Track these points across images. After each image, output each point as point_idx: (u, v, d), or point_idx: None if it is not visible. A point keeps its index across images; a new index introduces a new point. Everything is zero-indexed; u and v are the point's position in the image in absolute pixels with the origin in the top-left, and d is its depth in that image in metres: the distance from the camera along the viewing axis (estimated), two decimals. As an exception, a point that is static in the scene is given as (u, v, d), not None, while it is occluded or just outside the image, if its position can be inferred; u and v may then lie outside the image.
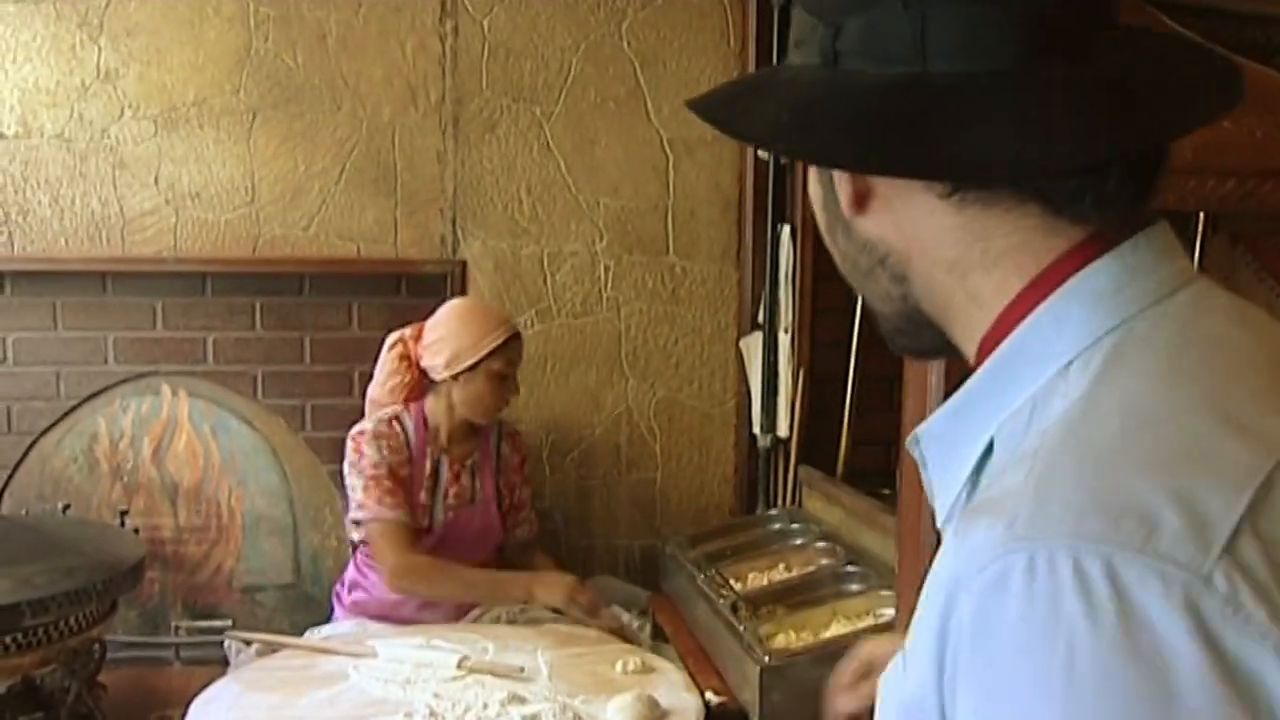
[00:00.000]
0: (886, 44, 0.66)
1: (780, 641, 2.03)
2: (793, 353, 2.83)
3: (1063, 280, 0.66)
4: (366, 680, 2.06)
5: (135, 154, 2.89)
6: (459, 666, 2.08)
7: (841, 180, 0.71)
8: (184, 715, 2.00)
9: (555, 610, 2.40)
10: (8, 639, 2.06)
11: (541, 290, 3.03)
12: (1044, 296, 0.66)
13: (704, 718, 1.98)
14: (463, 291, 2.96)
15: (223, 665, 2.42)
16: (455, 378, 2.46)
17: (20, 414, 2.93)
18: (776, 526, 2.70)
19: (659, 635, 2.51)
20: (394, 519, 2.40)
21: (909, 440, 0.74)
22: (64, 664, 2.18)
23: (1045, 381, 0.65)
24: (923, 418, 1.33)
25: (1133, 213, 0.67)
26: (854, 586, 2.23)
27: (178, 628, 2.90)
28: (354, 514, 2.44)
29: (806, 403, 2.82)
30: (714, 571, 2.37)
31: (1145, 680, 0.53)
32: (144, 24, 2.85)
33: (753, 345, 2.96)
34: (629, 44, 2.99)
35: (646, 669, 2.14)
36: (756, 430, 2.95)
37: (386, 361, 2.54)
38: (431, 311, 2.77)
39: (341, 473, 2.52)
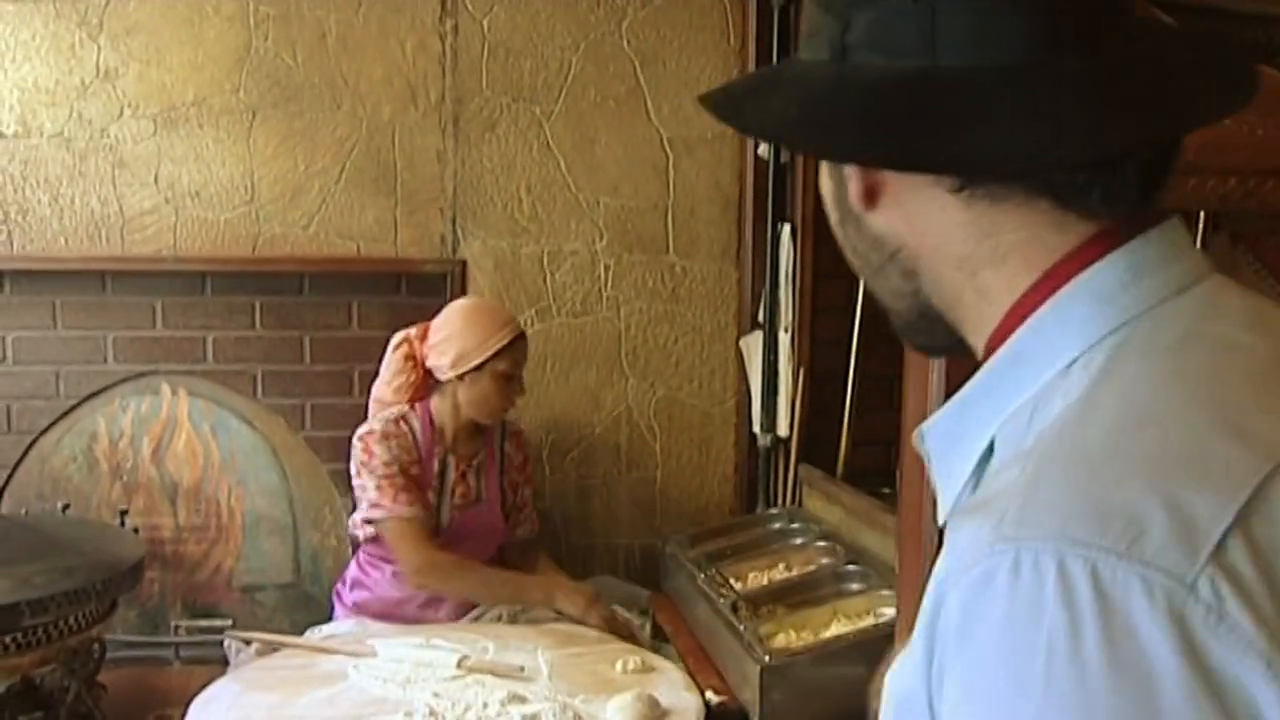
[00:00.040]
0: (896, 37, 0.65)
1: (780, 641, 2.03)
2: (793, 352, 2.83)
3: (1069, 278, 0.65)
4: (366, 679, 2.06)
5: (135, 153, 2.88)
6: (459, 666, 2.08)
7: (852, 175, 0.70)
8: (184, 715, 2.00)
9: (559, 613, 2.40)
10: (7, 639, 2.06)
11: (541, 289, 3.02)
12: (1050, 294, 0.66)
13: (704, 717, 1.98)
14: (463, 291, 2.96)
15: (222, 665, 2.42)
16: (461, 378, 2.46)
17: (20, 413, 2.93)
18: (777, 526, 2.69)
19: (659, 635, 2.51)
20: (411, 516, 2.40)
21: (915, 435, 0.74)
22: (63, 663, 2.18)
23: (1048, 381, 0.65)
24: (924, 417, 1.33)
25: (1144, 209, 0.66)
26: (854, 586, 2.22)
27: (177, 627, 2.90)
28: (367, 513, 2.43)
29: (807, 402, 2.82)
30: (714, 571, 2.37)
31: (1124, 689, 0.53)
32: (143, 23, 2.85)
33: (753, 344, 2.96)
34: (629, 43, 2.99)
35: (646, 668, 2.14)
36: (756, 429, 2.95)
37: (392, 361, 2.54)
38: (431, 310, 2.76)
39: (348, 472, 2.52)
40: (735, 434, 3.11)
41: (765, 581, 2.37)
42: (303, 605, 2.97)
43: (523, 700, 1.95)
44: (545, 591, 2.41)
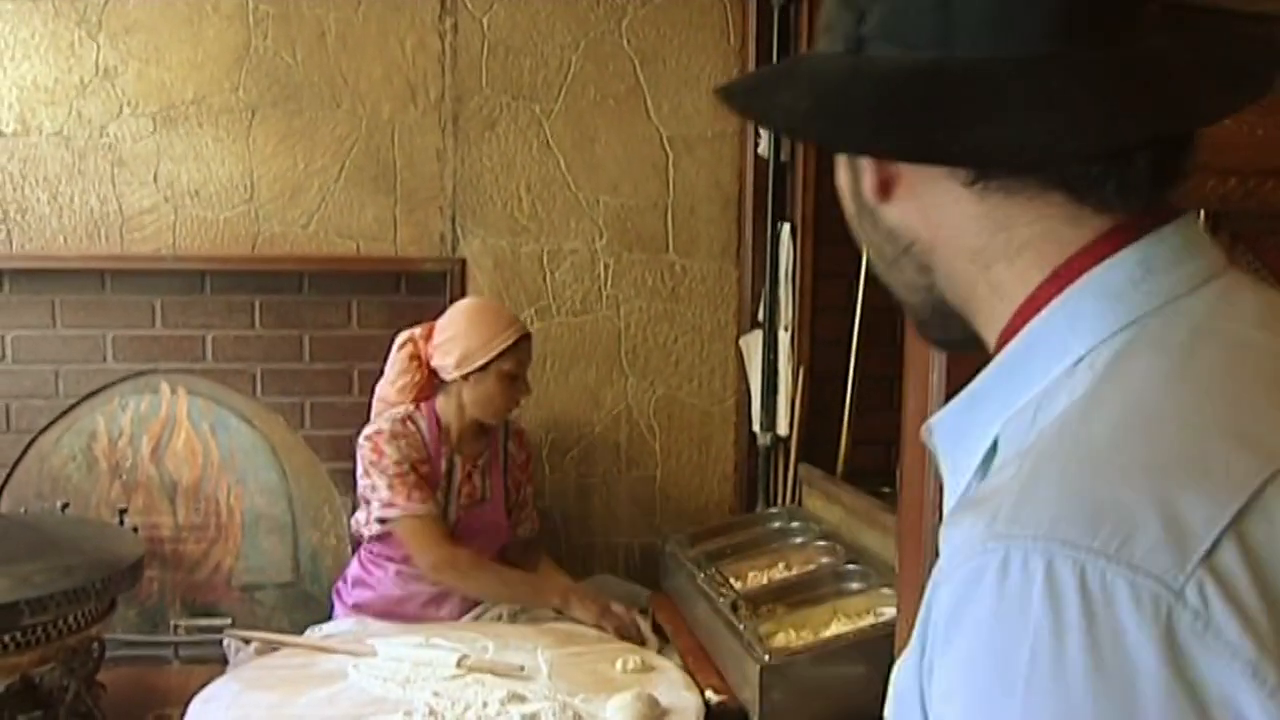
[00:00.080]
0: (910, 29, 0.65)
1: (780, 640, 2.03)
2: (793, 351, 2.83)
3: (1081, 273, 0.65)
4: (366, 679, 2.06)
5: (134, 152, 2.88)
6: (458, 665, 2.08)
7: (866, 167, 0.70)
8: (183, 714, 2.00)
9: (572, 618, 2.41)
10: (6, 638, 2.06)
11: (541, 288, 3.02)
12: (1062, 289, 0.65)
13: (704, 716, 1.98)
14: (462, 289, 2.95)
15: (222, 664, 2.42)
16: (465, 378, 2.46)
17: (19, 412, 2.93)
18: (776, 525, 2.69)
19: (658, 634, 2.51)
20: (425, 513, 2.41)
21: (923, 429, 0.74)
22: (63, 663, 2.18)
23: (1055, 378, 0.64)
24: (924, 417, 1.33)
25: (1160, 205, 0.66)
26: (854, 585, 2.22)
27: (177, 626, 2.90)
28: (380, 513, 2.42)
29: (806, 401, 2.81)
30: (714, 570, 2.37)
31: (1106, 692, 0.52)
32: (143, 21, 2.85)
33: (752, 343, 2.96)
34: (629, 41, 2.99)
35: (646, 668, 2.14)
36: (756, 428, 2.94)
37: (396, 361, 2.54)
38: (431, 309, 2.77)
39: (353, 473, 2.52)
40: (735, 433, 3.11)
41: (765, 581, 2.37)
42: (302, 604, 2.96)
43: (522, 699, 1.95)
44: (561, 595, 2.41)
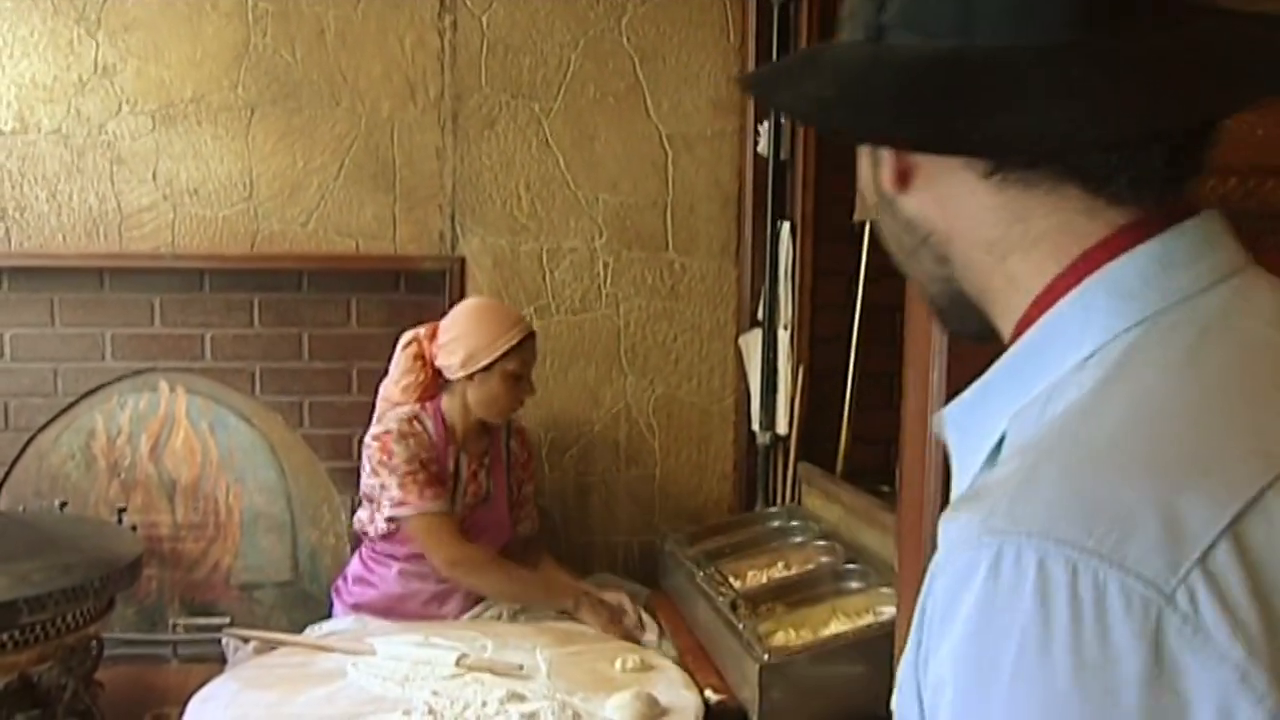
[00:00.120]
0: (931, 17, 0.64)
1: (779, 639, 2.03)
2: (792, 349, 2.82)
3: (1096, 267, 0.64)
4: (365, 678, 2.06)
5: (133, 150, 2.88)
6: (457, 664, 2.08)
7: (885, 157, 0.70)
8: (181, 713, 2.00)
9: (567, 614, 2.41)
10: (4, 636, 2.05)
11: (540, 287, 3.02)
12: (1076, 283, 0.65)
13: (703, 716, 1.98)
14: (461, 288, 2.95)
15: (220, 663, 2.41)
16: (470, 378, 2.47)
17: (17, 410, 2.92)
18: (775, 524, 2.69)
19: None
20: (437, 510, 2.41)
21: (935, 420, 0.74)
22: (61, 661, 2.17)
23: (1064, 373, 0.64)
24: (924, 415, 1.33)
25: (1180, 200, 0.65)
26: (853, 584, 2.22)
27: (175, 625, 2.90)
28: (391, 511, 2.42)
29: (806, 400, 2.81)
30: (713, 569, 2.37)
31: (1089, 692, 0.53)
32: (142, 19, 2.84)
33: (752, 342, 2.96)
34: (628, 39, 2.98)
35: (645, 667, 2.13)
36: (755, 427, 2.94)
37: (401, 360, 2.54)
38: (430, 308, 2.76)
39: (357, 473, 2.52)
40: (734, 432, 3.11)
41: (764, 580, 2.37)
42: (301, 603, 2.96)
43: (521, 698, 1.95)
44: (573, 599, 2.41)
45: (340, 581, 2.61)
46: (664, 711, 1.94)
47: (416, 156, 2.95)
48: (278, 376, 2.98)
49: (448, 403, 2.52)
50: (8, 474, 2.92)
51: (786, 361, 2.84)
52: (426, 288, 2.97)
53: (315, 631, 2.43)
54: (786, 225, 2.85)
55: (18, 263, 2.88)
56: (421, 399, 2.52)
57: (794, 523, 2.65)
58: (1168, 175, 0.64)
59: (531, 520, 2.71)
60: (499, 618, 2.48)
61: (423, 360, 2.52)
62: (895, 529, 1.75)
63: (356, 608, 2.51)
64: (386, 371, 2.59)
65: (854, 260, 2.66)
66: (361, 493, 2.52)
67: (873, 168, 0.73)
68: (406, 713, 1.90)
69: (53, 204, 2.87)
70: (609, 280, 3.04)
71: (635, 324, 3.06)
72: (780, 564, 2.44)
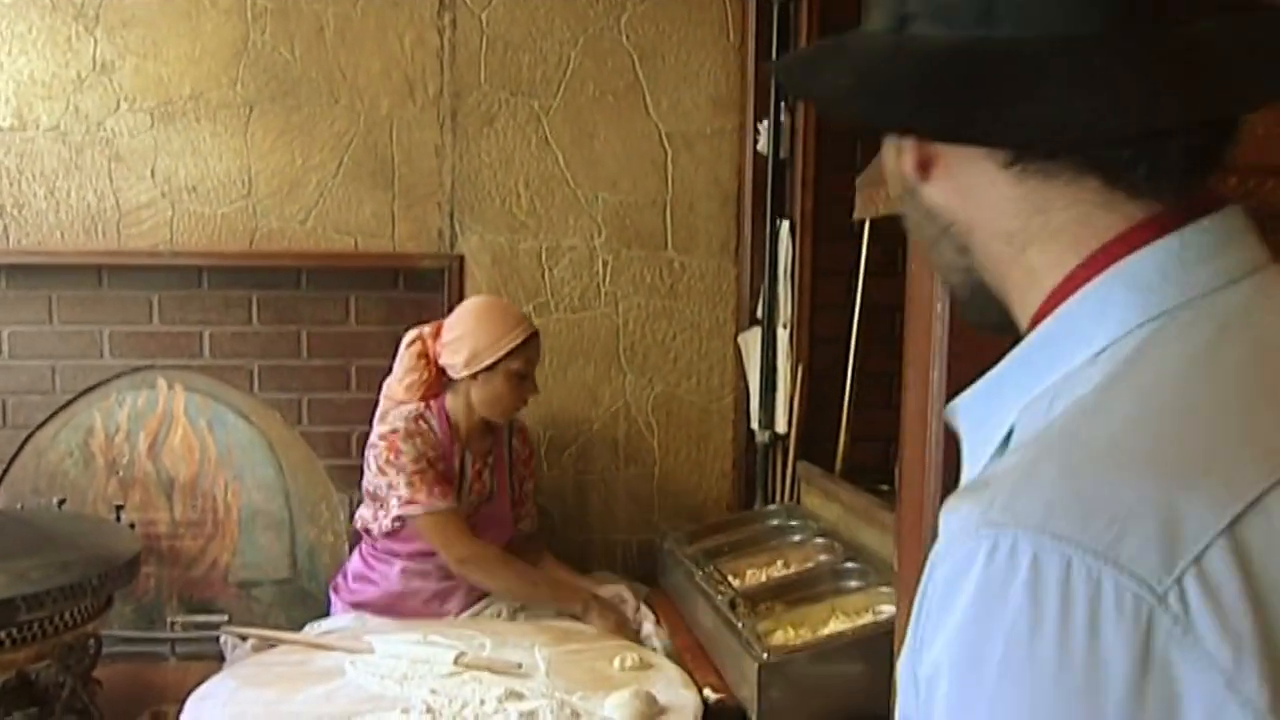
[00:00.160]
0: (953, 7, 0.64)
1: (779, 638, 2.03)
2: (791, 348, 2.82)
3: (1114, 261, 0.64)
4: (363, 676, 2.06)
5: (131, 147, 2.87)
6: (456, 662, 2.08)
7: (906, 146, 0.70)
8: (179, 711, 1.99)
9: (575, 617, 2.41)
10: (2, 634, 2.05)
11: (539, 285, 3.01)
12: (1093, 276, 0.64)
13: (702, 715, 1.98)
14: (460, 286, 2.95)
15: (218, 660, 2.41)
16: (474, 377, 2.47)
17: (15, 408, 2.92)
18: (774, 522, 2.69)
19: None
20: (447, 508, 2.41)
21: (947, 410, 0.73)
22: (59, 659, 2.17)
23: (1077, 366, 0.64)
24: (924, 414, 1.33)
25: (1200, 195, 0.65)
26: (852, 583, 2.22)
27: (173, 623, 2.89)
28: (400, 510, 2.41)
29: (805, 398, 2.81)
30: (712, 568, 2.36)
31: (1070, 689, 0.53)
32: (140, 16, 2.84)
33: (751, 341, 2.95)
34: (628, 37, 2.98)
35: (644, 665, 2.13)
36: (755, 426, 2.94)
37: (405, 358, 2.54)
38: (429, 305, 2.76)
39: (360, 470, 2.52)
40: (733, 430, 3.10)
41: (763, 578, 2.37)
42: (299, 601, 2.96)
43: (520, 697, 1.94)
44: (583, 603, 2.41)
45: (339, 579, 2.61)
46: (663, 710, 1.94)
47: (415, 154, 2.95)
48: (276, 374, 2.98)
49: (452, 401, 2.52)
50: (6, 471, 2.91)
51: (786, 360, 2.84)
52: (425, 285, 2.96)
53: (314, 629, 2.43)
54: (786, 224, 2.85)
55: (16, 260, 2.87)
56: (425, 397, 2.52)
57: (793, 521, 2.64)
58: (1186, 169, 0.63)
59: (532, 518, 2.72)
60: (498, 616, 2.48)
61: (427, 358, 2.52)
62: (894, 528, 1.75)
63: (357, 605, 2.51)
64: (386, 370, 2.59)
65: (853, 259, 2.66)
66: (364, 491, 2.51)
67: (896, 157, 0.73)
68: (405, 711, 1.90)
69: (51, 201, 2.87)
70: (608, 278, 3.03)
71: (634, 322, 3.06)
72: (779, 563, 2.44)
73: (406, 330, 2.61)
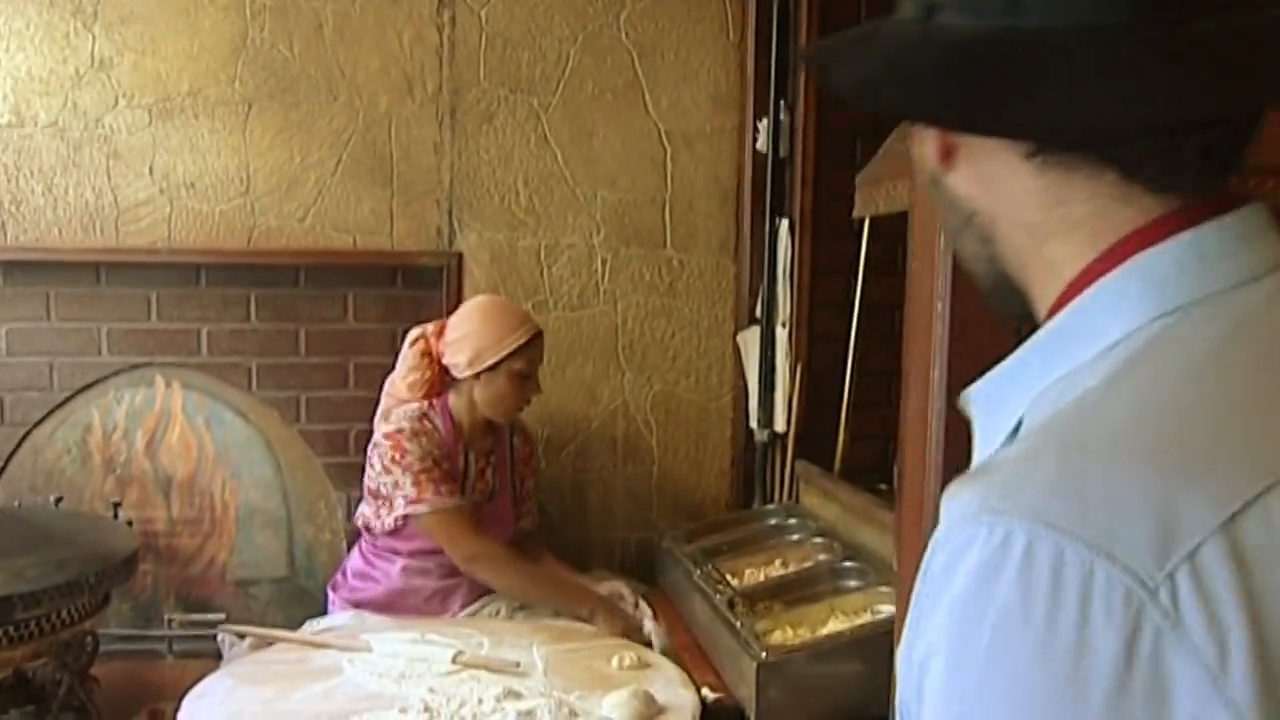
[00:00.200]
0: None
1: (777, 638, 2.02)
2: (790, 347, 2.82)
3: (1132, 255, 0.64)
4: (361, 674, 2.06)
5: (129, 144, 2.86)
6: (454, 661, 2.07)
7: (931, 135, 0.70)
8: (177, 709, 1.99)
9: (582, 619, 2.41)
10: (-1, 632, 2.05)
11: (538, 283, 3.01)
12: (1110, 269, 0.64)
13: (700, 714, 1.97)
14: (459, 283, 2.94)
15: (216, 659, 2.41)
16: (477, 376, 2.47)
17: (13, 405, 2.91)
18: (773, 522, 2.69)
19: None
20: (454, 506, 2.41)
21: (960, 398, 0.73)
22: (56, 657, 2.17)
23: (1089, 359, 0.64)
24: (925, 414, 1.32)
25: (1222, 191, 0.65)
26: (851, 583, 2.22)
27: (171, 621, 2.89)
28: (407, 509, 2.41)
29: (804, 397, 2.81)
30: (710, 566, 2.36)
31: (1055, 678, 0.53)
32: (138, 12, 2.83)
33: (750, 339, 2.95)
34: (627, 35, 2.97)
35: (642, 664, 2.13)
36: (753, 424, 2.94)
37: (408, 356, 2.54)
38: (427, 303, 2.75)
39: (362, 468, 2.52)
40: (732, 429, 3.10)
41: (762, 578, 2.37)
42: (296, 599, 2.95)
43: (518, 696, 1.94)
44: (589, 606, 2.40)
45: (339, 576, 2.60)
46: (661, 710, 1.93)
47: (414, 151, 2.94)
48: (274, 372, 2.97)
49: (454, 400, 2.52)
50: (3, 469, 2.90)
51: (785, 359, 2.84)
52: (424, 283, 2.96)
53: (313, 627, 2.43)
54: (785, 222, 2.84)
55: (13, 256, 2.86)
56: (428, 396, 2.51)
57: (791, 520, 2.64)
58: (1203, 165, 0.63)
59: (533, 515, 2.72)
60: (497, 615, 2.48)
61: (430, 357, 2.52)
62: (894, 527, 1.74)
63: (356, 603, 2.51)
64: (385, 367, 2.58)
65: (853, 257, 2.65)
66: (367, 489, 2.51)
67: (921, 146, 0.73)
68: (403, 710, 1.89)
69: (49, 198, 2.86)
70: (607, 277, 3.03)
71: (633, 321, 3.05)
72: (778, 562, 2.44)
73: (405, 328, 2.61)
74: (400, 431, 2.43)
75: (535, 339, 2.50)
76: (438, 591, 2.50)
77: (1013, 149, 0.66)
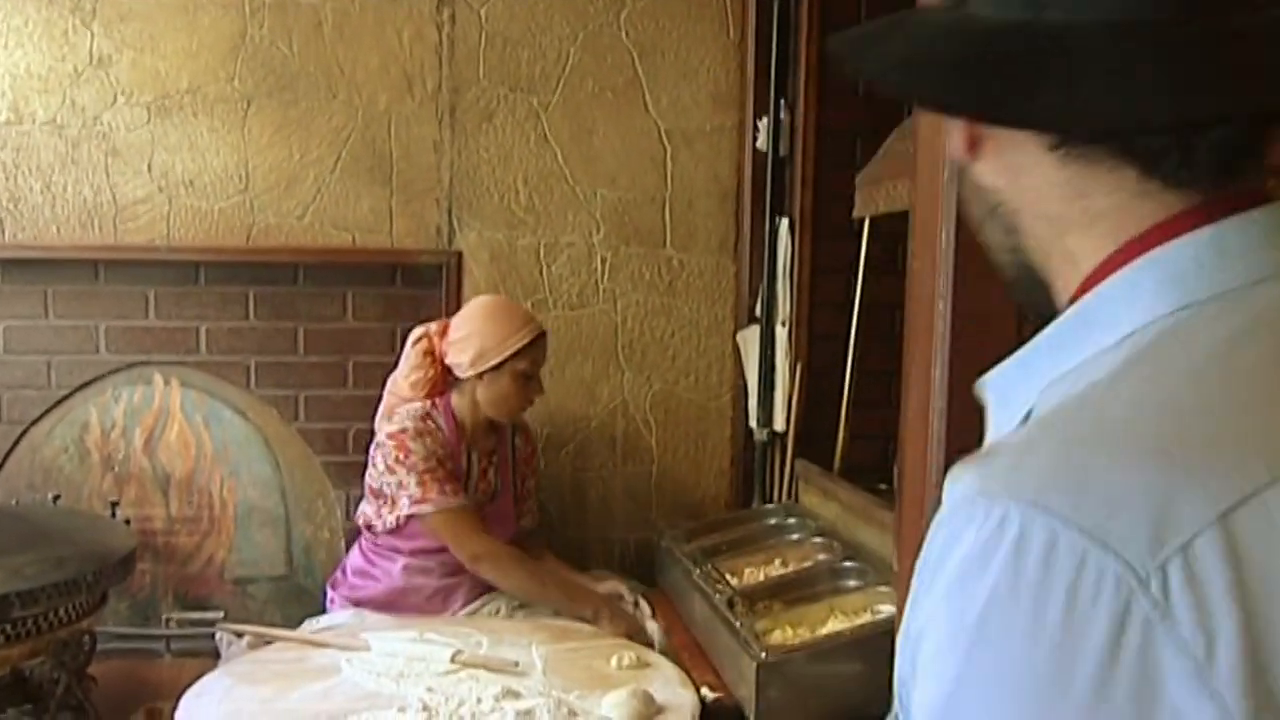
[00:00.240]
0: None
1: (777, 637, 2.02)
2: (790, 346, 2.82)
3: (1150, 249, 0.64)
4: (359, 674, 2.05)
5: (128, 141, 2.86)
6: (452, 660, 2.07)
7: (956, 123, 0.71)
8: (174, 708, 1.98)
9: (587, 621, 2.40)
10: (-4, 630, 2.04)
11: (538, 282, 3.00)
12: (1127, 263, 0.64)
13: (699, 714, 1.97)
14: (458, 282, 2.94)
15: (214, 657, 2.40)
16: (480, 376, 2.46)
17: (11, 403, 2.91)
18: (773, 521, 2.69)
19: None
20: (459, 505, 2.41)
21: (977, 384, 0.73)
22: (53, 656, 2.16)
23: (1100, 350, 0.64)
24: (926, 413, 1.32)
25: (1245, 189, 0.64)
26: (851, 582, 2.21)
27: (169, 619, 2.88)
28: (411, 509, 2.40)
29: (804, 397, 2.80)
30: (710, 566, 2.36)
31: (1039, 662, 0.53)
32: (137, 10, 2.82)
33: (750, 338, 2.95)
34: (627, 34, 2.97)
35: (641, 664, 2.12)
36: (753, 424, 2.94)
37: (410, 356, 2.53)
38: (426, 302, 2.75)
39: (364, 467, 2.52)
40: (731, 428, 3.10)
41: (761, 577, 2.36)
42: (295, 598, 2.95)
43: (517, 695, 1.93)
44: (594, 608, 2.39)
45: (338, 574, 2.60)
46: (660, 709, 1.93)
47: (414, 150, 2.94)
48: (273, 370, 2.97)
49: (457, 400, 2.52)
50: (1, 467, 2.90)
51: (784, 358, 2.83)
52: (423, 282, 2.95)
53: (313, 626, 2.42)
54: (785, 221, 2.84)
55: (11, 254, 2.86)
56: (430, 395, 2.51)
57: (791, 520, 2.64)
58: (1223, 162, 0.63)
59: (533, 514, 2.72)
60: (496, 614, 2.47)
61: (432, 356, 2.51)
62: (894, 527, 1.74)
63: (357, 602, 2.50)
64: (383, 366, 2.58)
65: (853, 257, 2.65)
66: (368, 488, 2.50)
67: (950, 135, 0.73)
68: (401, 709, 1.89)
69: (47, 195, 2.85)
70: (606, 275, 3.03)
71: (633, 319, 3.05)
72: (777, 561, 2.43)
73: (404, 327, 2.60)
74: (404, 431, 2.43)
75: (539, 339, 2.50)
76: (439, 590, 2.49)
77: (1037, 141, 0.66)
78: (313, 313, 2.97)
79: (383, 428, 2.48)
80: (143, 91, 2.85)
